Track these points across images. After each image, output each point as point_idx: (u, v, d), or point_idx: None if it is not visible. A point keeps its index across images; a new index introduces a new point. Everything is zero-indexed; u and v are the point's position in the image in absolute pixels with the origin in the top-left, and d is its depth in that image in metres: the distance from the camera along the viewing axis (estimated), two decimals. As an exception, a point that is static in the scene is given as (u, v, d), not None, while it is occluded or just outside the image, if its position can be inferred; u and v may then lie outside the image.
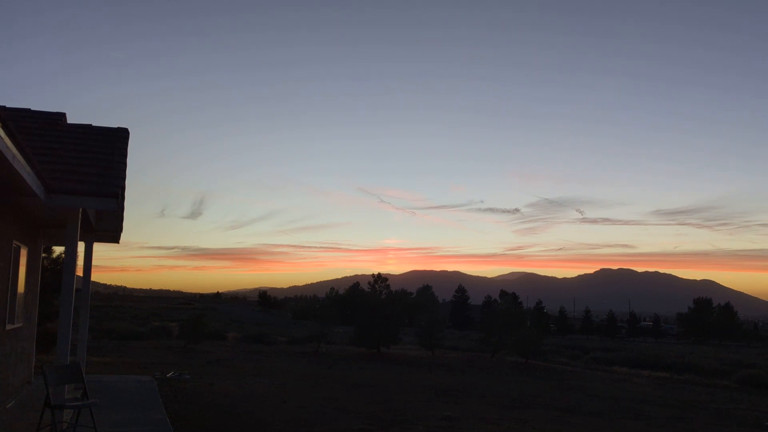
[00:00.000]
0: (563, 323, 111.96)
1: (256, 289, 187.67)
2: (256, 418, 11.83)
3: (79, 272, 11.10)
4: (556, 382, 26.26)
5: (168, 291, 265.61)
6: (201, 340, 32.65)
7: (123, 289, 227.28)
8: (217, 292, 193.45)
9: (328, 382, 19.52)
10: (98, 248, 13.69)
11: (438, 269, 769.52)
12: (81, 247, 11.13)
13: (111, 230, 13.03)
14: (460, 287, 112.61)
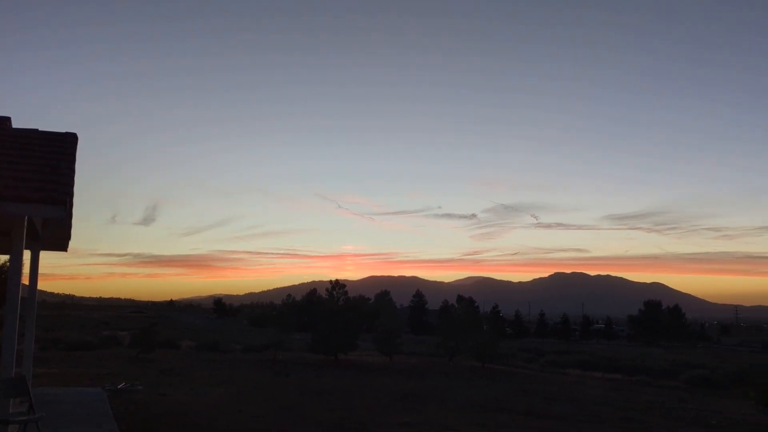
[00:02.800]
0: (519, 327, 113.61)
1: (211, 297, 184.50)
2: (212, 428, 11.57)
3: (25, 281, 10.67)
4: (513, 385, 26.58)
5: (119, 299, 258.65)
6: (153, 349, 31.87)
7: (71, 297, 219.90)
8: (171, 299, 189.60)
9: (285, 390, 19.26)
10: (45, 256, 13.19)
11: (396, 275, 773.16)
12: (27, 255, 10.71)
13: (58, 238, 12.56)
14: (418, 292, 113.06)
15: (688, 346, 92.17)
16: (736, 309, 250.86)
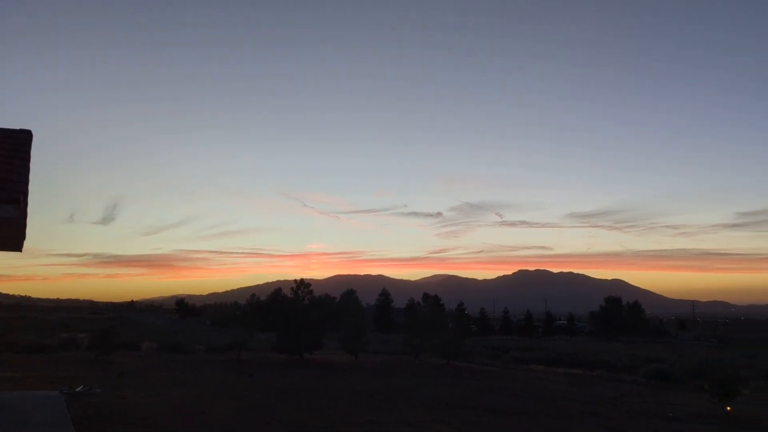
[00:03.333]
0: (483, 324, 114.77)
1: (173, 297, 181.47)
2: (173, 431, 11.35)
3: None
4: (478, 382, 26.82)
5: (78, 300, 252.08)
6: (113, 351, 31.20)
7: (27, 299, 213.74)
8: (132, 300, 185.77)
9: (249, 390, 19.04)
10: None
11: (362, 273, 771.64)
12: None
13: (13, 237, 12.15)
14: (384, 291, 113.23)
15: (647, 341, 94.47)
16: (693, 304, 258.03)
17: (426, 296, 67.00)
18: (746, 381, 32.96)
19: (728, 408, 22.51)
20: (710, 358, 51.52)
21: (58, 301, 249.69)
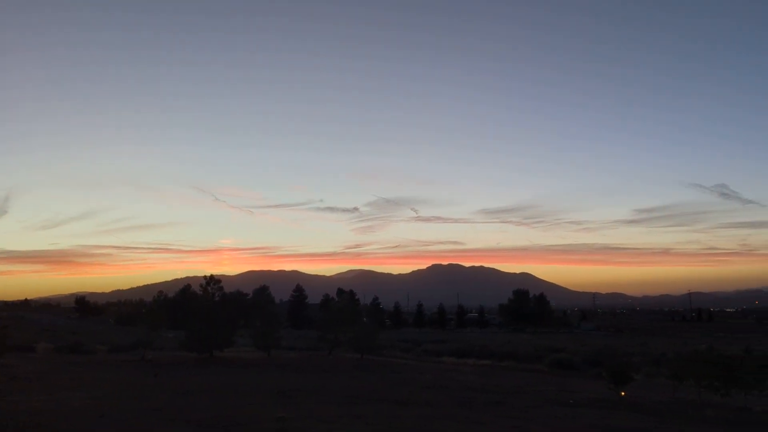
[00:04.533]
0: (398, 318, 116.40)
1: (72, 295, 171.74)
2: (68, 437, 10.72)
3: None
4: (390, 375, 27.10)
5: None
6: (4, 353, 29.16)
7: None
8: (26, 299, 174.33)
9: (154, 390, 18.30)
10: None
11: (276, 269, 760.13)
12: None
13: None
14: (298, 286, 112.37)
15: (552, 332, 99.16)
16: (594, 296, 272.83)
17: (341, 291, 67.13)
18: (639, 368, 35.25)
19: (623, 393, 23.95)
20: (607, 347, 54.70)
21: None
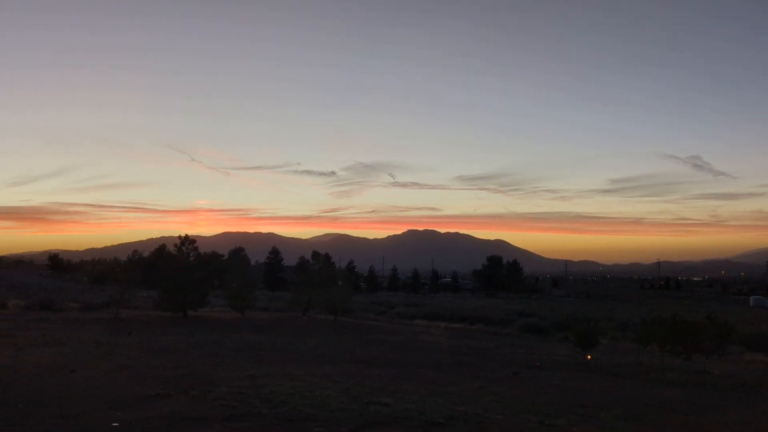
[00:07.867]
0: (372, 282, 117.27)
1: (45, 252, 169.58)
2: (36, 391, 10.77)
3: None
4: (362, 336, 27.50)
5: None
6: (-26, 310, 28.85)
7: None
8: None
9: (125, 349, 18.36)
10: None
11: (252, 231, 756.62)
12: None
13: None
14: (274, 249, 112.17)
15: (524, 297, 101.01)
16: (566, 264, 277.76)
17: (316, 254, 67.02)
18: (605, 332, 36.24)
19: (588, 357, 24.69)
20: (576, 312, 55.96)
21: None
